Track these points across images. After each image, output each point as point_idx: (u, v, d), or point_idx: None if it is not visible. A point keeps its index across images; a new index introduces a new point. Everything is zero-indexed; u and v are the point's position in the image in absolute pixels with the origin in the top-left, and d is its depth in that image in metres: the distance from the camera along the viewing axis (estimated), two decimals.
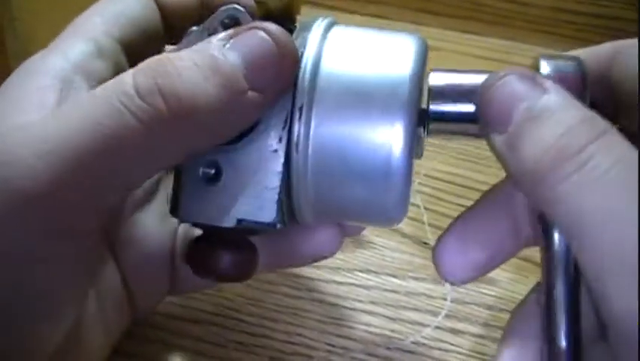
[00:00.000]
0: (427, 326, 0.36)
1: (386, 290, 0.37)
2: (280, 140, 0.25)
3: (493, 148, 0.23)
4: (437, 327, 0.35)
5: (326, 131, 0.25)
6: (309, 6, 0.58)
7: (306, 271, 0.38)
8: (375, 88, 0.25)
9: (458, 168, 0.46)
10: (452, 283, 0.26)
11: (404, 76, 0.25)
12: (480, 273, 0.26)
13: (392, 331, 0.35)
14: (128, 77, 0.23)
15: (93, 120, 0.22)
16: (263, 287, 0.37)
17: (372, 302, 0.37)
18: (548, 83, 0.22)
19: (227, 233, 0.27)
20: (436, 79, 0.25)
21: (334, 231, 0.29)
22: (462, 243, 0.26)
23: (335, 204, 0.26)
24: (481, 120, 0.24)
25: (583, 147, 0.20)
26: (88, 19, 0.27)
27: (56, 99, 0.24)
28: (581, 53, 0.26)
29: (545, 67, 0.24)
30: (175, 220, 0.29)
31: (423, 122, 0.25)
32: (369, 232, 0.41)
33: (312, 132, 0.25)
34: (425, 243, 0.40)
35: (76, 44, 0.26)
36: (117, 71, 0.26)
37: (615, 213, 0.19)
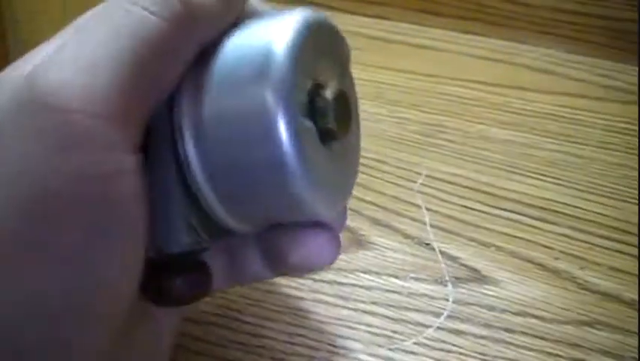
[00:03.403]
0: (429, 326, 0.35)
1: (388, 291, 0.37)
2: (167, 151, 0.24)
3: None
4: (439, 328, 0.35)
5: (209, 138, 0.24)
6: (310, 7, 0.58)
7: None
8: (245, 72, 0.23)
9: (460, 168, 0.46)
10: None
11: (274, 53, 0.23)
12: None
13: (394, 332, 0.35)
14: None
15: (115, 25, 0.23)
16: (264, 288, 0.37)
17: (374, 303, 0.37)
18: None
19: (174, 258, 0.26)
20: None
21: (327, 238, 0.27)
22: None
23: (250, 207, 0.25)
24: None
25: None
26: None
27: None
28: None
29: None
30: None
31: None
32: (371, 233, 0.41)
33: (195, 148, 0.24)
34: (427, 244, 0.40)
35: None
36: None
37: None
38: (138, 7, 0.23)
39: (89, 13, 0.24)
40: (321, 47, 0.25)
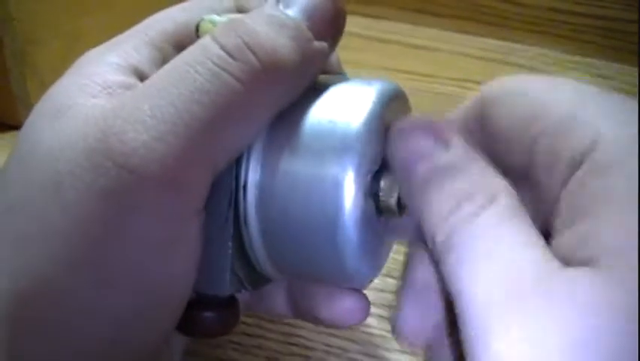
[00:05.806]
0: None
1: (383, 291, 0.37)
2: (229, 207, 0.24)
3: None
4: None
5: (273, 198, 0.24)
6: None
7: None
8: (320, 145, 0.24)
9: None
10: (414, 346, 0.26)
11: (350, 129, 0.23)
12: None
13: (389, 331, 0.35)
14: (208, 41, 0.22)
15: (196, 89, 0.21)
16: None
17: (370, 303, 0.37)
18: (450, 135, 0.22)
19: (211, 297, 0.26)
20: None
21: (358, 303, 0.28)
22: (417, 308, 0.25)
23: (295, 266, 0.25)
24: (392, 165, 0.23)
25: (476, 212, 0.20)
26: (158, 24, 0.26)
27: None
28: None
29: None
30: None
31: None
32: None
33: (256, 207, 0.24)
34: None
35: (141, 48, 0.25)
36: None
37: (496, 262, 0.19)
38: (226, 74, 0.22)
39: (170, 67, 0.23)
40: (392, 116, 0.25)
